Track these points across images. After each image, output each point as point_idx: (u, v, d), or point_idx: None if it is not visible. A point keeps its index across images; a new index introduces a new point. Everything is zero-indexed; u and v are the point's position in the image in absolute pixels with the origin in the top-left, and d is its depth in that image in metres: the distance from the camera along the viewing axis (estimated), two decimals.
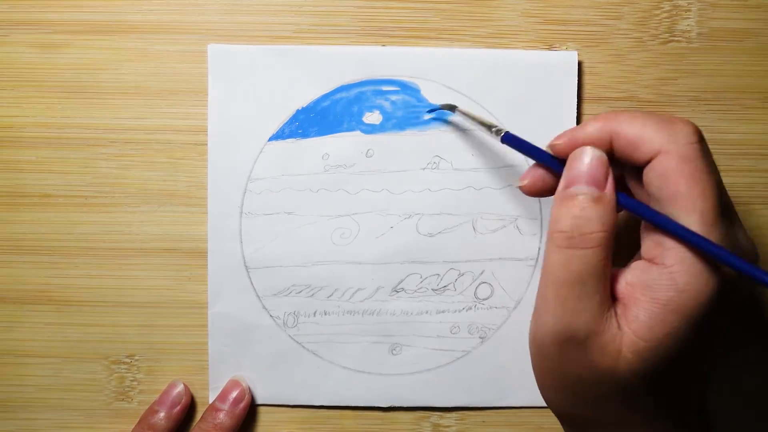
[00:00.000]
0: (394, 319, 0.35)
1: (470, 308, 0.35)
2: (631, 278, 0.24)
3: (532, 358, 0.26)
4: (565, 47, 0.35)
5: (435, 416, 0.36)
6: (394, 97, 0.35)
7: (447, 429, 0.36)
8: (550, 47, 0.35)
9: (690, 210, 0.23)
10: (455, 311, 0.35)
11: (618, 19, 0.35)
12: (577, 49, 0.35)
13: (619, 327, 0.24)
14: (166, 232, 0.35)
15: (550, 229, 0.25)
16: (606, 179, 0.24)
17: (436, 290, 0.35)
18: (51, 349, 0.36)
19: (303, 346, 0.35)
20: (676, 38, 0.35)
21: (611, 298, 0.24)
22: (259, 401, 0.36)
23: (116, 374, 0.36)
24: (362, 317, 0.35)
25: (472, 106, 0.34)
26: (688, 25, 0.35)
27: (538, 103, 0.34)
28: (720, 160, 0.35)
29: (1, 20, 0.35)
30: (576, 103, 0.34)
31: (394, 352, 0.35)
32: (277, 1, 0.35)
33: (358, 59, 0.34)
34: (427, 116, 0.34)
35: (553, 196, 0.26)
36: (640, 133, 0.24)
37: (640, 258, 0.25)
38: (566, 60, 0.34)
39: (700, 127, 0.25)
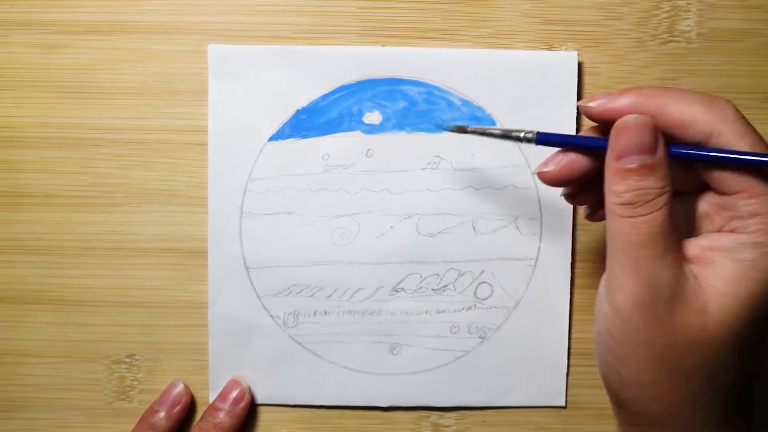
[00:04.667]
0: (394, 318, 0.35)
1: (470, 308, 0.35)
2: (707, 243, 0.25)
3: (607, 340, 0.25)
4: (565, 47, 0.35)
5: (435, 416, 0.36)
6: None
7: (447, 429, 0.36)
8: (550, 47, 0.35)
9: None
10: (455, 311, 0.35)
11: (618, 20, 0.35)
12: (577, 50, 0.35)
13: (699, 286, 0.24)
14: (166, 232, 0.35)
15: (610, 201, 0.25)
16: (656, 144, 0.24)
17: (436, 290, 0.35)
18: (51, 349, 0.36)
19: (303, 346, 0.35)
20: (676, 38, 0.35)
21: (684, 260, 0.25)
22: (259, 401, 0.36)
23: (116, 374, 0.36)
24: (362, 317, 0.35)
25: (471, 107, 0.34)
26: (687, 25, 0.35)
27: (538, 103, 0.34)
28: None
29: (1, 20, 0.35)
30: (576, 104, 0.34)
31: (393, 352, 0.35)
32: (277, 1, 0.35)
33: (358, 59, 0.34)
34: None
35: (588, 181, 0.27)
36: (688, 114, 0.24)
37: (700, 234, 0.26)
38: (566, 60, 0.34)
39: None
